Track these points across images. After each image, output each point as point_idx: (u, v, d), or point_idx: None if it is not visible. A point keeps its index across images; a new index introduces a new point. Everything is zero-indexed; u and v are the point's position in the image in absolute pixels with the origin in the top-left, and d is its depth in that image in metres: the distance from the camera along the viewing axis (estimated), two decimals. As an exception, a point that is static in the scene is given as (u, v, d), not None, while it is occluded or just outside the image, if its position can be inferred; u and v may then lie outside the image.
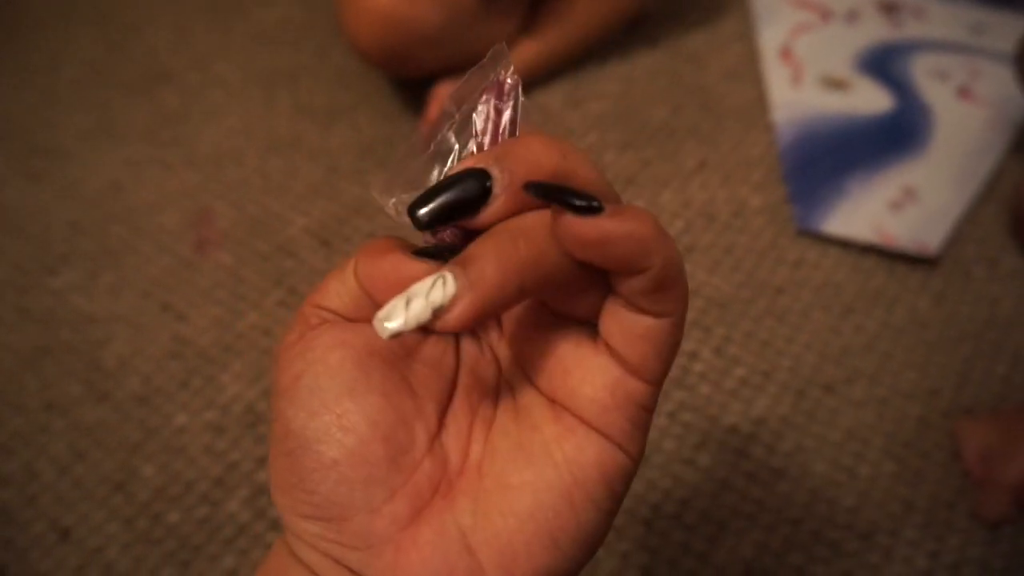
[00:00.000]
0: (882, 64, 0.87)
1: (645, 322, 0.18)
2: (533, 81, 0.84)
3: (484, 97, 0.21)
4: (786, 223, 0.74)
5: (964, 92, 0.83)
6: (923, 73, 0.86)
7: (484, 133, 0.21)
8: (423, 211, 0.19)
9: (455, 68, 0.79)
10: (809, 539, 0.57)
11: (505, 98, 0.21)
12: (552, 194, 0.17)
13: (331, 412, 0.19)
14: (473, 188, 0.18)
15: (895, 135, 0.81)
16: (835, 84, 0.85)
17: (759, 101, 0.84)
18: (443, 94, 0.77)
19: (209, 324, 0.68)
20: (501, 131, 0.21)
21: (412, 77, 0.81)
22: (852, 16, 0.91)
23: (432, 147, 0.21)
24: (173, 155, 0.82)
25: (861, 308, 0.69)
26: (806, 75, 0.86)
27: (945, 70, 0.86)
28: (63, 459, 0.61)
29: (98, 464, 0.61)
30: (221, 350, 0.67)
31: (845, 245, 0.73)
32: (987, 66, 0.82)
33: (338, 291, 0.21)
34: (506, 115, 0.21)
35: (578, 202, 0.17)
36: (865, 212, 0.74)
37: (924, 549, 0.57)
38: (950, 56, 0.87)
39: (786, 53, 0.88)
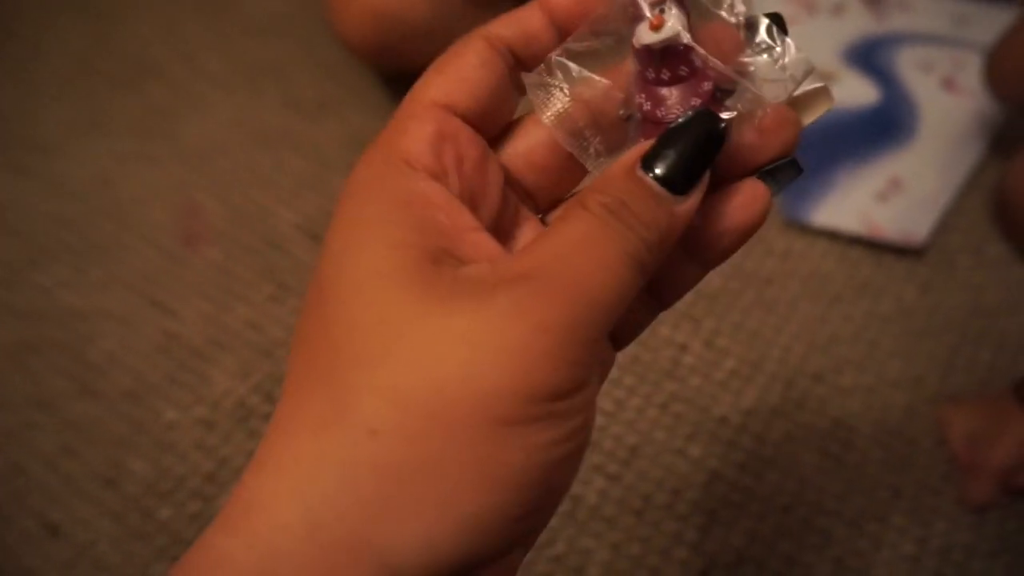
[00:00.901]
0: (868, 56, 0.87)
1: None
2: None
3: None
4: (774, 213, 0.75)
5: (948, 83, 0.84)
6: (908, 65, 0.86)
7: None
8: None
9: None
10: (799, 527, 0.58)
11: None
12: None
13: None
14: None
15: (881, 127, 0.81)
16: (822, 76, 0.86)
17: (747, 93, 0.85)
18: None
19: (198, 319, 0.68)
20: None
21: (401, 70, 0.81)
22: (837, 9, 0.92)
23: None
24: (160, 149, 0.82)
25: (848, 298, 0.69)
26: (793, 67, 0.86)
27: (929, 62, 0.86)
28: (52, 455, 0.60)
29: (88, 460, 0.60)
30: (211, 345, 0.66)
31: (832, 236, 0.73)
32: (971, 58, 0.83)
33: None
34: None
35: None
36: (852, 203, 0.75)
37: (911, 535, 0.58)
38: (934, 48, 0.88)
39: (773, 45, 0.88)
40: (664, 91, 0.19)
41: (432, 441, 0.16)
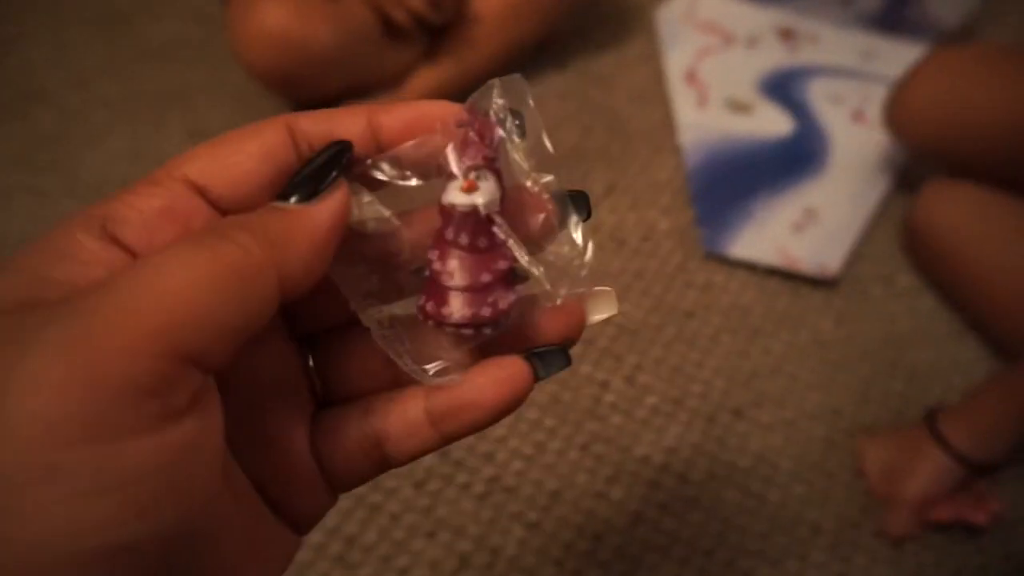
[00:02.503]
0: (782, 88, 0.89)
1: None
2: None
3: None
4: (694, 246, 0.75)
5: (858, 115, 0.86)
6: (819, 97, 0.88)
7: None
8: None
9: (357, 90, 0.76)
10: (722, 570, 0.56)
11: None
12: None
13: None
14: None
15: (796, 157, 0.83)
16: (739, 107, 0.87)
17: (666, 123, 0.85)
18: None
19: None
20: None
21: (312, 99, 0.78)
22: (752, 41, 0.94)
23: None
24: (49, 182, 0.76)
25: (767, 330, 0.70)
26: (711, 98, 0.87)
27: (839, 94, 0.89)
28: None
29: None
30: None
31: (751, 267, 0.74)
32: (878, 90, 0.85)
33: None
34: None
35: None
36: (769, 234, 0.75)
37: (831, 571, 0.57)
38: (844, 80, 0.90)
39: (691, 76, 0.89)
40: (460, 258, 0.19)
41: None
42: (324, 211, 0.17)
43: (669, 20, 0.95)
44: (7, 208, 0.73)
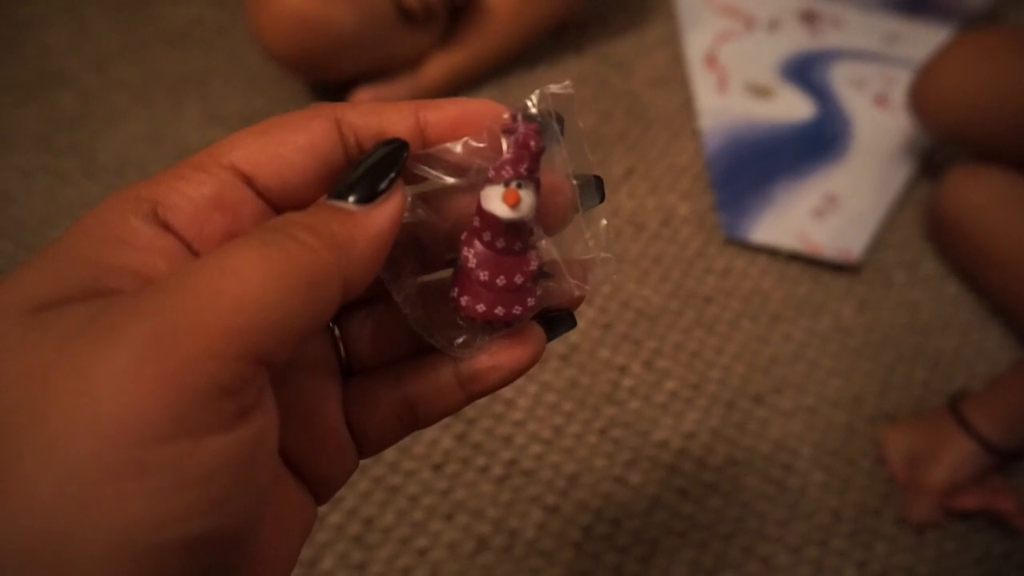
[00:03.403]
0: (803, 72, 0.88)
1: None
2: (456, 91, 0.81)
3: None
4: (714, 231, 0.74)
5: (881, 99, 0.85)
6: (842, 81, 0.87)
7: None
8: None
9: (373, 73, 0.75)
10: (741, 556, 0.56)
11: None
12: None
13: None
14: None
15: (817, 142, 0.82)
16: (760, 91, 0.86)
17: (685, 107, 0.84)
18: (361, 99, 0.73)
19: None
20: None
21: (329, 81, 0.78)
22: (774, 24, 0.92)
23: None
24: (69, 164, 0.76)
25: (788, 316, 0.69)
26: (731, 82, 0.86)
27: (862, 78, 0.87)
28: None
29: None
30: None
31: (772, 252, 0.73)
32: (902, 74, 0.84)
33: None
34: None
35: None
36: (790, 220, 0.74)
37: (852, 559, 0.57)
38: (867, 64, 0.89)
39: (711, 60, 0.88)
40: (495, 259, 0.19)
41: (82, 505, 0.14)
42: (385, 213, 0.17)
43: (689, 3, 0.94)
44: (28, 190, 0.74)
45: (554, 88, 0.20)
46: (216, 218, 0.17)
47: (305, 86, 0.81)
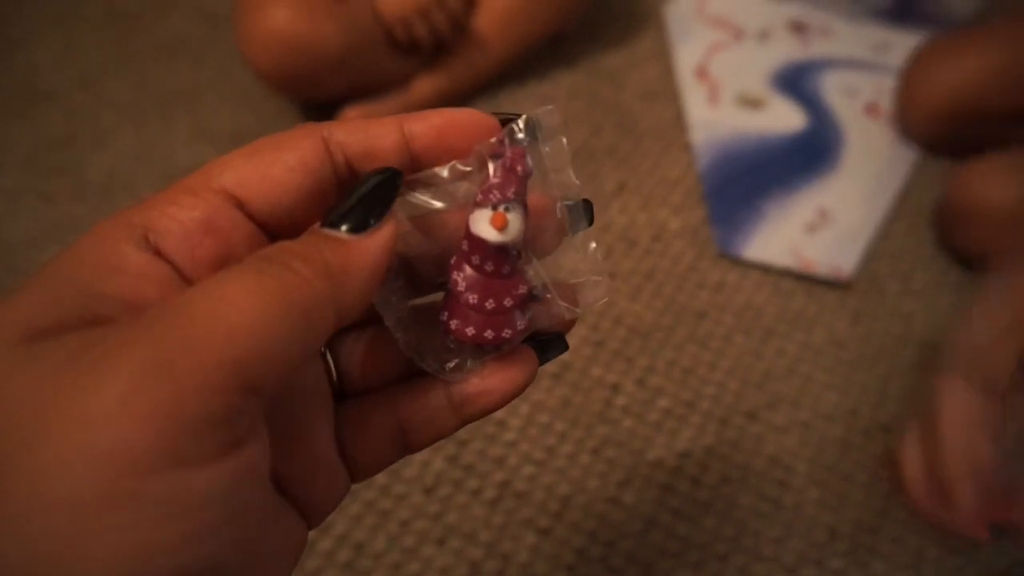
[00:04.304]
0: (795, 82, 0.88)
1: None
2: (447, 107, 0.81)
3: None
4: (706, 245, 0.74)
5: (872, 109, 0.85)
6: (833, 89, 0.87)
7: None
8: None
9: (361, 92, 0.75)
10: (736, 576, 0.56)
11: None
12: None
13: None
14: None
15: (809, 154, 0.81)
16: (751, 102, 0.85)
17: (677, 120, 0.84)
18: (350, 118, 0.73)
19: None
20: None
21: (316, 99, 0.77)
22: (764, 35, 0.92)
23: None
24: (56, 184, 0.75)
25: (782, 331, 0.68)
26: (723, 94, 0.86)
27: (853, 87, 0.87)
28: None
29: None
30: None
31: (765, 266, 0.72)
32: (892, 83, 0.84)
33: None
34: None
35: None
36: (783, 235, 0.74)
37: (849, 577, 0.56)
38: (857, 73, 0.89)
39: (702, 72, 0.88)
40: (484, 282, 0.19)
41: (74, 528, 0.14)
42: (378, 242, 0.18)
43: (678, 15, 0.94)
44: (13, 211, 0.73)
45: (540, 112, 0.20)
46: (207, 242, 0.17)
47: (294, 103, 0.81)
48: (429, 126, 0.19)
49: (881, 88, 0.86)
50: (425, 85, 0.77)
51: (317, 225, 0.18)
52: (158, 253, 0.17)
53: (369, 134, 0.19)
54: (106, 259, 0.16)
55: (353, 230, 0.17)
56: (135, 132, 0.80)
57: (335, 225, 0.17)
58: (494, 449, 0.59)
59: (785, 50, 0.90)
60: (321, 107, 0.77)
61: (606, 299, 0.22)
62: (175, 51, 0.88)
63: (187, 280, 0.17)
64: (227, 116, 0.82)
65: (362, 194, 0.18)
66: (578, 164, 0.79)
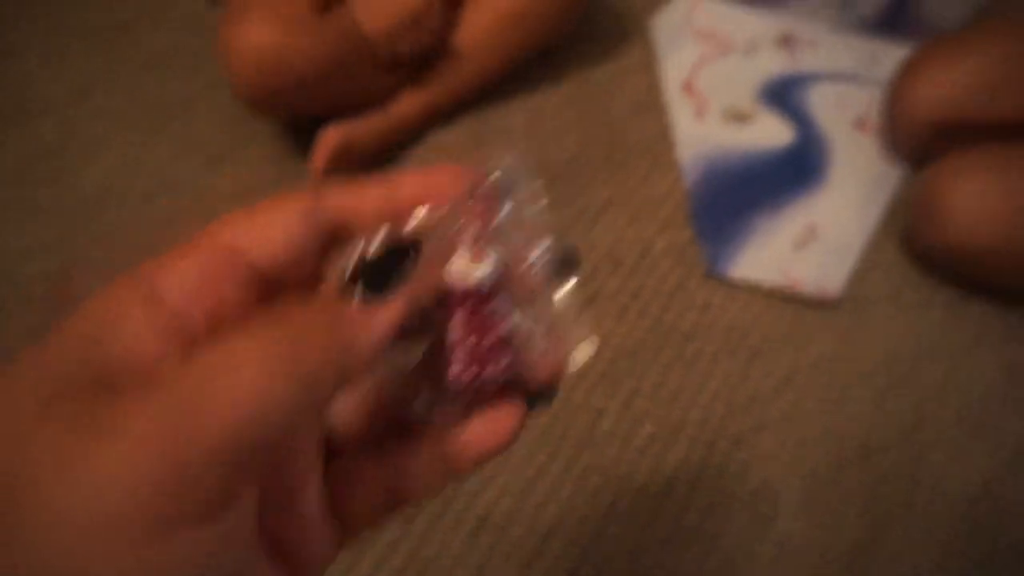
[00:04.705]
0: (782, 95, 0.87)
1: None
2: (430, 125, 0.80)
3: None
4: (693, 264, 0.73)
5: (860, 123, 0.84)
6: (820, 103, 0.86)
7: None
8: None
9: (343, 111, 0.74)
10: (722, 606, 0.55)
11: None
12: None
13: None
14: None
15: (796, 169, 0.80)
16: (738, 116, 0.85)
17: (664, 134, 0.83)
18: (332, 136, 0.72)
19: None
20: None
21: (297, 118, 0.76)
22: (751, 48, 0.91)
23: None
24: (46, 195, 0.75)
25: (769, 352, 0.68)
26: (710, 108, 0.85)
27: (841, 100, 0.86)
28: None
29: None
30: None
31: (752, 286, 0.72)
32: (880, 96, 0.83)
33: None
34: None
35: None
36: (771, 252, 0.73)
37: (837, 606, 0.55)
38: (845, 86, 0.88)
39: (689, 86, 0.87)
40: (464, 325, 0.20)
41: None
42: (391, 316, 0.18)
43: (666, 28, 0.93)
44: (5, 221, 0.72)
45: (511, 157, 0.21)
46: (212, 295, 0.18)
47: (277, 121, 0.80)
48: (413, 186, 0.20)
49: (870, 102, 0.85)
50: (408, 103, 0.76)
51: (330, 285, 0.18)
52: (161, 303, 0.17)
53: (359, 197, 0.20)
54: (113, 316, 0.17)
55: (367, 301, 0.18)
56: (126, 143, 0.79)
57: (349, 292, 0.18)
58: (472, 482, 0.59)
59: (773, 63, 0.90)
60: (308, 126, 0.76)
61: (591, 354, 0.22)
62: (165, 63, 0.87)
63: (192, 333, 0.17)
64: (216, 128, 0.81)
65: (375, 265, 0.18)
66: (567, 178, 0.78)
